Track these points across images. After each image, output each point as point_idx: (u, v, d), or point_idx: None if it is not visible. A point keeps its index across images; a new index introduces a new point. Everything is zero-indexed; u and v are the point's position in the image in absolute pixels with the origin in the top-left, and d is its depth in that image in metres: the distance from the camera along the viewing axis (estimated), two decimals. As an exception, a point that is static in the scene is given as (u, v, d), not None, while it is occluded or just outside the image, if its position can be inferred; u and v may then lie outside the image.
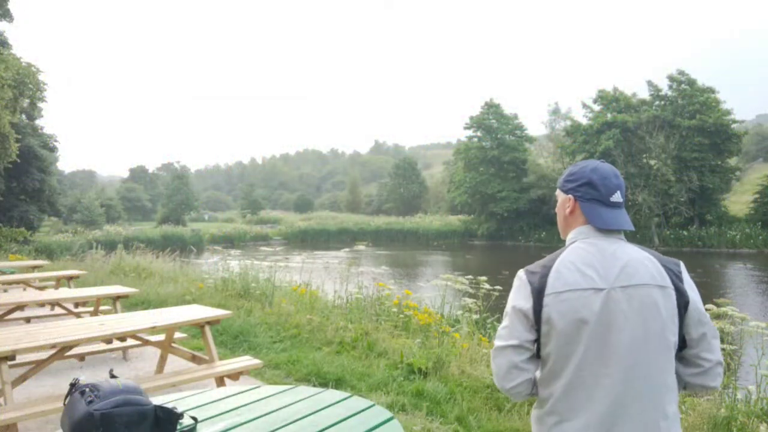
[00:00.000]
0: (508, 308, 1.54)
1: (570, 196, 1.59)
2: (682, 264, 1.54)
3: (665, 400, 1.43)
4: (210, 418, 1.88)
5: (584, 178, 1.56)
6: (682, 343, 1.49)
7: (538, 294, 1.45)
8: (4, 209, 25.43)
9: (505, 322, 1.53)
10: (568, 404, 1.44)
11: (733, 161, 37.49)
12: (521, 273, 1.54)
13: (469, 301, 5.92)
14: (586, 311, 1.41)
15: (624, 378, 1.40)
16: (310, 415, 1.92)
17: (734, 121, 35.43)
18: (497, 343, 1.53)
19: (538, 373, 1.54)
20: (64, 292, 6.25)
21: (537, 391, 1.54)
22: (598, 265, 1.46)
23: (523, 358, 1.49)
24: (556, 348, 1.45)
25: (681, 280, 1.48)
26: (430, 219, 50.60)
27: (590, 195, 1.55)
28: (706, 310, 4.52)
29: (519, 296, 1.50)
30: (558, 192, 1.66)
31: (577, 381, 1.43)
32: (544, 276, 1.47)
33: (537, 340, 1.49)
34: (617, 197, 1.54)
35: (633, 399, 1.40)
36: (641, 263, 1.46)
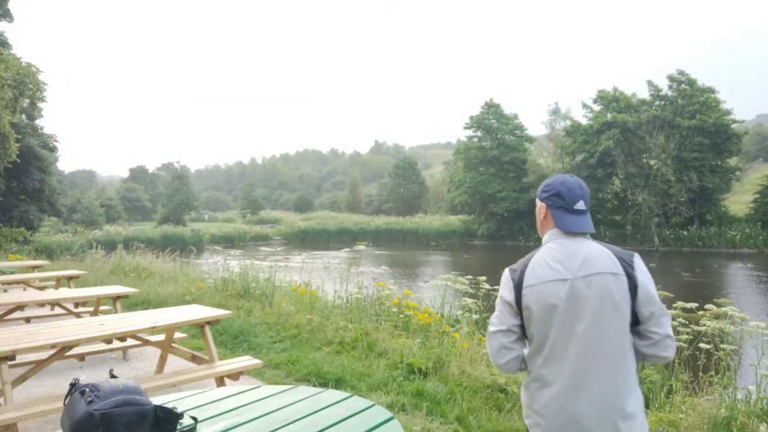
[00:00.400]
0: (497, 300, 1.89)
1: (543, 204, 1.92)
2: (636, 255, 1.83)
3: (623, 366, 1.74)
4: (210, 418, 1.88)
5: (554, 190, 1.89)
6: (636, 320, 1.77)
7: (518, 287, 1.80)
8: (4, 209, 25.44)
9: (495, 311, 1.88)
10: (547, 373, 1.78)
11: (733, 161, 37.48)
12: (506, 271, 1.88)
13: (469, 301, 5.92)
14: (555, 298, 1.75)
15: (587, 349, 1.72)
16: (310, 415, 1.92)
17: (734, 121, 35.43)
18: (490, 328, 1.88)
19: (526, 351, 1.87)
20: (64, 292, 6.25)
21: (526, 366, 1.87)
22: (564, 260, 1.78)
23: (511, 340, 1.84)
24: (536, 329, 1.79)
25: (633, 268, 1.77)
26: (430, 219, 50.55)
27: (558, 204, 1.87)
28: (706, 309, 4.51)
29: (504, 290, 1.86)
30: (537, 200, 1.98)
31: (553, 354, 1.76)
32: (522, 272, 1.82)
33: (521, 325, 1.83)
34: (580, 205, 1.85)
35: (595, 365, 1.72)
36: (599, 256, 1.78)
